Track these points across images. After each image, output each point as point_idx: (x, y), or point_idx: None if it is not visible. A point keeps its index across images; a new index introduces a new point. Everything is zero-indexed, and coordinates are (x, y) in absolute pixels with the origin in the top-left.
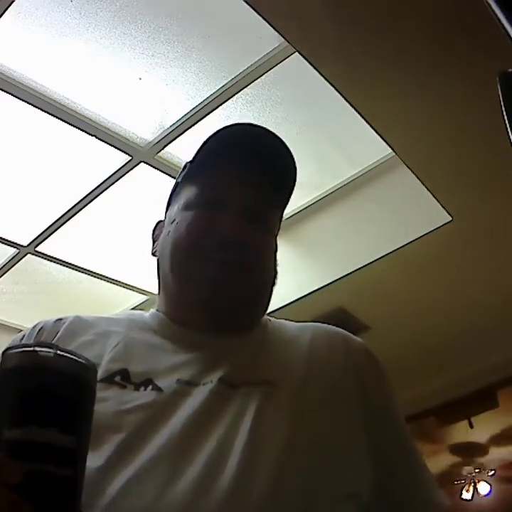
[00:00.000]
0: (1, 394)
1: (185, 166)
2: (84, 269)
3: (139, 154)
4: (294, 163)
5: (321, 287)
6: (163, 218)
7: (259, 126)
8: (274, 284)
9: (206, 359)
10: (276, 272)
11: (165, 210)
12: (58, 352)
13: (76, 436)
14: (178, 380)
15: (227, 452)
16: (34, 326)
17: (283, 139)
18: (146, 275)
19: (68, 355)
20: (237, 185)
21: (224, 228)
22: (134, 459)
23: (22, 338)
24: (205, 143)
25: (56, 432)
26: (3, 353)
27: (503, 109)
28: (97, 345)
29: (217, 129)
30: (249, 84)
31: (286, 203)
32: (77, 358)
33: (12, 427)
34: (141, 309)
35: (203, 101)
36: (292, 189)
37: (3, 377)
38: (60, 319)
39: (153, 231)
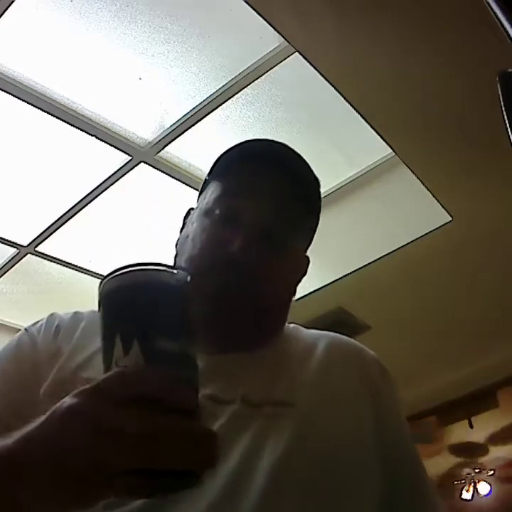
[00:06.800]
0: (163, 306)
1: (216, 161)
2: (84, 269)
3: (139, 154)
4: (316, 178)
5: (321, 287)
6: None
7: (278, 142)
8: (287, 304)
9: (228, 373)
10: (293, 292)
11: (197, 197)
12: (163, 268)
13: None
14: (210, 396)
15: (249, 476)
16: (50, 318)
17: (300, 154)
18: None
19: (166, 269)
20: (254, 199)
21: (233, 248)
22: None
23: (39, 328)
24: (229, 149)
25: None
26: (115, 276)
27: (503, 109)
28: None
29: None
30: (249, 84)
31: (312, 219)
32: (172, 271)
33: (169, 340)
34: None
35: (203, 101)
36: (316, 205)
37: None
38: (76, 313)
39: (184, 218)
